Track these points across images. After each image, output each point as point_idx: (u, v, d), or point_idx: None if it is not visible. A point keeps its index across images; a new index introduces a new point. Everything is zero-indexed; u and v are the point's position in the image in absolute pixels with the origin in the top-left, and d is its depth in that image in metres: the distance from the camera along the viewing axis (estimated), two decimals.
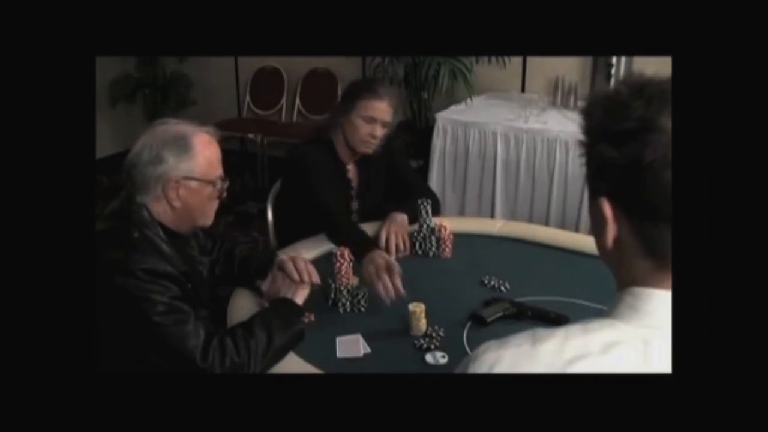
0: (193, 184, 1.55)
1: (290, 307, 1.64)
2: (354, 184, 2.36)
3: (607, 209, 0.71)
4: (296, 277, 1.69)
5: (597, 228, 0.74)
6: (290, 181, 2.36)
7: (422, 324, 1.64)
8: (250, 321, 1.55)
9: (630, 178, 0.67)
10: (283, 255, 1.78)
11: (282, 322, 1.55)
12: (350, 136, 2.25)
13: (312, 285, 1.71)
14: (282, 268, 1.73)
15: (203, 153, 1.56)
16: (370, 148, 2.26)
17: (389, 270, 1.77)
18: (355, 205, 2.34)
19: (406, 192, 2.33)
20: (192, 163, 1.54)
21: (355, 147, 2.27)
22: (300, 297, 1.69)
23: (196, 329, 1.45)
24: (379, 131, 2.23)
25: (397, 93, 2.39)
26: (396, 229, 2.13)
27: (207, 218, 1.64)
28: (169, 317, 1.44)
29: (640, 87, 0.69)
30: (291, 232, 2.23)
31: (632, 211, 0.69)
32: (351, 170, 2.35)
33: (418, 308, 1.63)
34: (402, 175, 2.44)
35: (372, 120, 2.21)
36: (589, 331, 0.70)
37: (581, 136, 0.74)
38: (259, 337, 1.49)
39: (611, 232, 0.72)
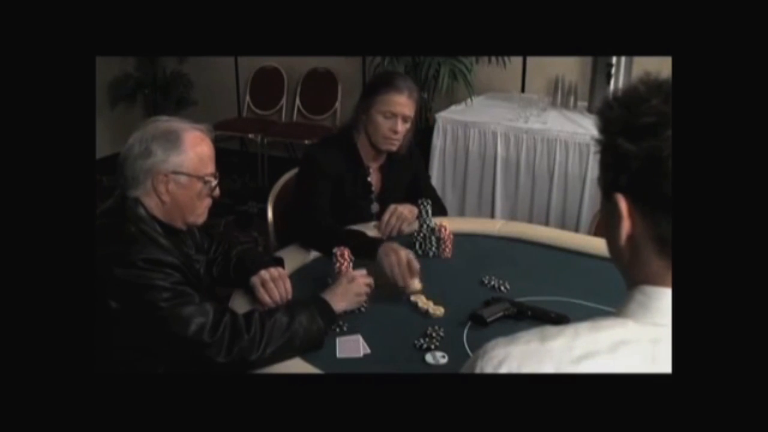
0: (182, 179, 1.55)
1: (322, 307, 1.60)
2: (375, 187, 2.31)
3: (623, 204, 0.71)
4: (267, 300, 1.68)
5: (610, 225, 0.74)
6: (298, 178, 2.31)
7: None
8: (274, 308, 1.58)
9: (647, 172, 0.68)
10: (264, 270, 1.73)
11: (307, 316, 1.53)
12: (372, 134, 2.20)
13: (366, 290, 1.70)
14: (254, 292, 1.71)
15: (194, 149, 1.56)
16: (393, 145, 2.20)
17: (410, 265, 1.78)
18: (375, 207, 2.29)
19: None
20: (181, 158, 1.54)
21: (377, 145, 2.21)
22: (339, 299, 1.64)
23: (202, 307, 1.45)
24: (401, 126, 2.17)
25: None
26: (400, 211, 2.14)
27: (197, 216, 1.62)
28: (174, 301, 1.44)
29: (657, 84, 0.70)
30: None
31: (648, 205, 0.70)
32: (373, 172, 2.31)
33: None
34: (419, 184, 2.41)
35: (392, 115, 2.15)
36: (599, 329, 0.71)
37: (597, 134, 0.74)
38: (279, 320, 1.49)
39: (625, 228, 0.72)
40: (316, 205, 2.13)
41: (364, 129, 2.22)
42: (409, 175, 2.39)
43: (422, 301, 1.74)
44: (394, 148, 2.23)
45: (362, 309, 1.72)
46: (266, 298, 1.68)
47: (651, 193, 0.69)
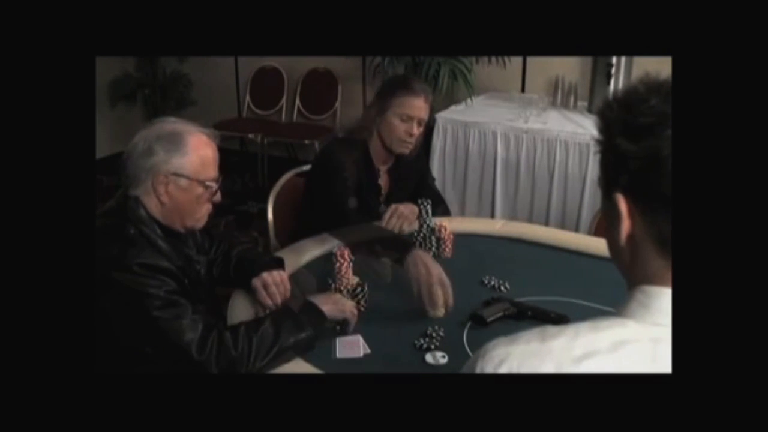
0: (183, 181, 1.54)
1: (310, 311, 1.57)
2: (384, 190, 2.32)
3: (623, 204, 0.71)
4: (269, 303, 1.68)
5: (610, 225, 0.74)
6: (317, 177, 2.30)
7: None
8: (262, 317, 1.55)
9: (647, 172, 0.68)
10: (266, 273, 1.72)
11: (294, 324, 1.51)
12: (387, 136, 2.21)
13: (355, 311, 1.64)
14: (255, 294, 1.71)
15: (197, 152, 1.55)
16: (407, 147, 2.22)
17: (442, 284, 1.68)
18: (383, 209, 2.28)
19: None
20: (183, 160, 1.53)
21: (392, 147, 2.22)
22: (323, 302, 1.59)
23: (194, 323, 1.44)
24: (416, 129, 2.19)
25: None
26: (401, 210, 2.14)
27: (196, 220, 1.61)
28: (166, 311, 1.43)
29: (657, 84, 0.70)
30: (309, 228, 2.17)
31: (647, 205, 0.70)
32: (382, 175, 2.31)
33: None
34: (424, 186, 2.41)
35: (408, 118, 2.17)
36: (599, 329, 0.71)
37: (597, 134, 0.75)
38: (265, 333, 1.47)
39: (625, 228, 0.72)
40: (345, 197, 2.13)
41: (377, 131, 2.22)
42: (415, 178, 2.40)
43: None
44: (407, 151, 2.24)
45: (362, 309, 1.70)
46: (268, 301, 1.68)
47: (651, 193, 0.69)
